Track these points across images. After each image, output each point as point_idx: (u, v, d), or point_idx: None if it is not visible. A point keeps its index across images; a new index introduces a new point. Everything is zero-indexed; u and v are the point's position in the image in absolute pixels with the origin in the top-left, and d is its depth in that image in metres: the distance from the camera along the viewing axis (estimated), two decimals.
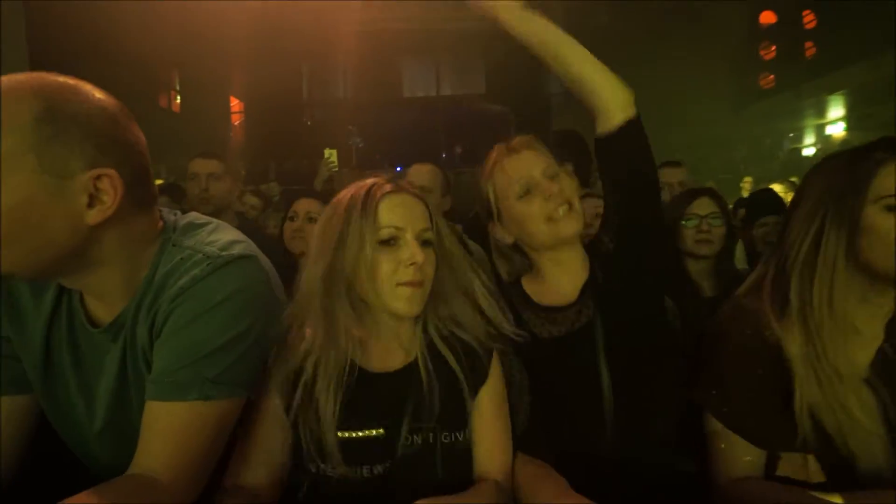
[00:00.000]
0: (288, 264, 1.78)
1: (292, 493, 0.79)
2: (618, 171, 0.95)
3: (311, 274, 0.79)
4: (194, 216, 0.84)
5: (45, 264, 0.67)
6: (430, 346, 0.83)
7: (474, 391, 0.82)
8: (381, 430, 0.77)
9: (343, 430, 0.76)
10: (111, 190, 0.67)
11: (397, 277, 0.77)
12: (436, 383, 0.80)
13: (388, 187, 0.80)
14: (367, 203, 0.78)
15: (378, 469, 0.75)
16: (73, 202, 0.65)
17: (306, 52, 7.91)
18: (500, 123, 10.21)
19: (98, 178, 0.66)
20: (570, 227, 0.93)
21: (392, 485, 0.75)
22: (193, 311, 0.70)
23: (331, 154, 2.88)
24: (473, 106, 9.92)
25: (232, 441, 0.77)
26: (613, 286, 0.96)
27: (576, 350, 0.93)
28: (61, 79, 0.66)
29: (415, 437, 0.77)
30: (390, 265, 0.77)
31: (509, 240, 1.01)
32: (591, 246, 1.03)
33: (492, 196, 0.99)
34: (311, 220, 1.72)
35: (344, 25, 7.12)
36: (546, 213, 0.92)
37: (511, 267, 1.06)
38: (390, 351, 0.83)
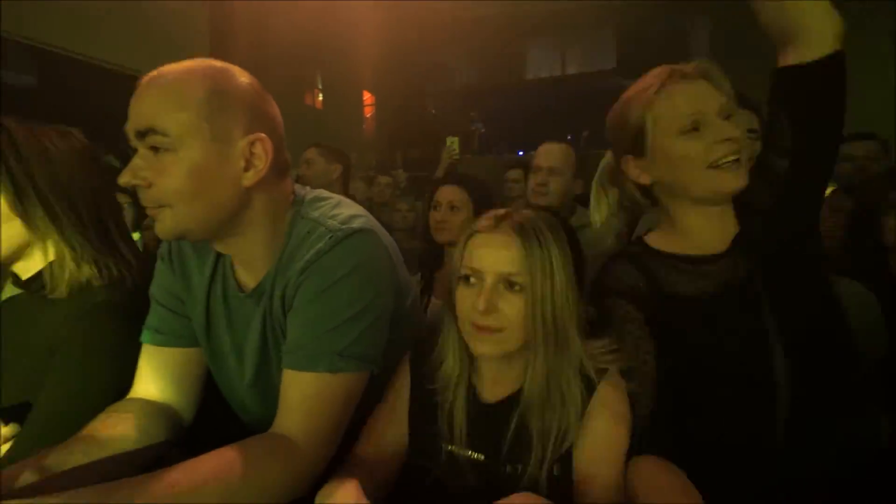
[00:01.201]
0: (433, 252, 1.78)
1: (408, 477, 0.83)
2: (803, 110, 0.79)
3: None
4: (320, 191, 0.89)
5: (211, 224, 0.76)
6: (538, 379, 0.77)
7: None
8: (481, 456, 0.78)
9: (449, 442, 0.79)
10: (263, 154, 0.75)
11: (472, 319, 0.74)
12: (538, 417, 0.75)
13: (483, 224, 0.77)
14: (464, 237, 0.78)
15: (471, 489, 0.76)
16: (234, 166, 0.73)
17: (430, 43, 8.13)
18: None
19: (253, 143, 0.74)
20: (736, 181, 0.79)
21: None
22: (319, 285, 0.75)
23: (452, 142, 2.93)
24: (603, 83, 9.29)
25: (362, 412, 0.82)
26: (772, 243, 0.81)
27: (734, 311, 0.79)
28: (218, 63, 0.77)
29: (517, 466, 0.75)
30: (467, 305, 0.75)
31: (645, 180, 0.87)
32: (743, 198, 0.87)
33: (648, 125, 0.83)
34: (454, 209, 1.69)
35: (465, 12, 7.15)
36: (712, 158, 0.79)
37: (630, 217, 0.92)
38: (498, 380, 0.81)
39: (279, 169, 0.80)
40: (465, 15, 7.16)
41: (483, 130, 8.43)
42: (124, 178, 0.71)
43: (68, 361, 0.83)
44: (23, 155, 0.84)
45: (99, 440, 0.73)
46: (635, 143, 0.86)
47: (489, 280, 0.73)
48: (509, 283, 0.73)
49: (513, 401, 0.78)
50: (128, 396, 0.85)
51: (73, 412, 0.80)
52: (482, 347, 0.75)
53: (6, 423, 0.79)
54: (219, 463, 0.64)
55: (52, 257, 0.87)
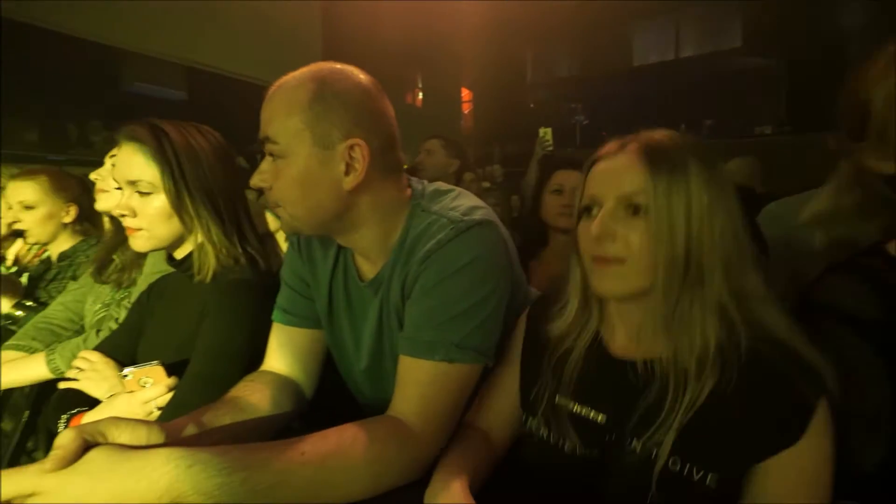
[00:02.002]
0: (536, 238, 1.78)
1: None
2: None
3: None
4: (439, 184, 0.91)
5: (317, 223, 0.81)
6: (657, 319, 0.67)
7: (768, 448, 0.61)
8: (601, 417, 0.70)
9: (564, 395, 0.73)
10: (361, 158, 0.76)
11: (591, 251, 0.68)
12: (684, 395, 0.64)
13: (606, 149, 0.71)
14: (585, 167, 0.73)
15: (583, 452, 0.70)
16: (335, 170, 0.76)
17: (530, 36, 7.96)
18: (765, 81, 8.28)
19: (351, 147, 0.75)
20: None
21: (594, 478, 0.69)
22: (439, 274, 0.76)
23: (545, 132, 2.79)
24: (726, 64, 8.33)
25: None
26: None
27: None
28: (336, 65, 0.80)
29: (635, 441, 0.66)
30: (585, 237, 0.69)
31: (890, 169, 0.72)
32: None
33: (878, 104, 0.71)
34: None
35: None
36: None
37: (880, 221, 0.75)
38: (635, 336, 0.73)
39: (387, 169, 0.82)
40: (565, 1, 6.89)
41: (586, 122, 8.05)
42: (253, 181, 0.81)
43: (213, 328, 0.99)
44: (182, 162, 1.01)
45: (241, 405, 0.84)
46: (862, 125, 0.73)
47: (608, 204, 0.67)
48: (632, 207, 0.65)
49: (654, 365, 0.68)
50: (260, 369, 0.96)
51: (216, 369, 0.96)
52: (602, 283, 0.68)
53: (169, 377, 0.98)
54: (342, 438, 0.68)
55: (197, 244, 1.06)
